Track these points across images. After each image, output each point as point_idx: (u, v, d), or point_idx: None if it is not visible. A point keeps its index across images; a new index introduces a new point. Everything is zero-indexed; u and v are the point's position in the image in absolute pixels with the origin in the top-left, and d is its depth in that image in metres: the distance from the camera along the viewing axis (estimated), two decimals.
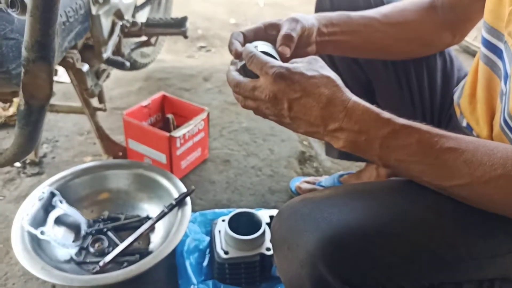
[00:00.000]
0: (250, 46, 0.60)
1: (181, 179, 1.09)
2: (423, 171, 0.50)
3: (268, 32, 0.68)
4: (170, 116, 1.20)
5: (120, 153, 1.21)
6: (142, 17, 1.34)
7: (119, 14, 1.01)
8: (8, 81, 0.68)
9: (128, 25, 1.02)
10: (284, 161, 1.30)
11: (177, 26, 1.09)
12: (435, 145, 0.49)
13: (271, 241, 0.58)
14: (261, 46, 0.62)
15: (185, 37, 1.13)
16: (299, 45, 0.68)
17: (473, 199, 0.49)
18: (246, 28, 0.69)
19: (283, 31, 0.65)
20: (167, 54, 2.10)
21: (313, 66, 0.55)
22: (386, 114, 0.51)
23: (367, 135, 0.50)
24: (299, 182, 1.16)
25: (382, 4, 0.84)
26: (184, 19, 1.10)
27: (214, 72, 1.88)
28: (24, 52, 0.58)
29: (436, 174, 0.49)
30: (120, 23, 0.99)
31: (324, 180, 1.13)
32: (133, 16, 1.22)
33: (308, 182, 1.15)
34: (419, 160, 0.49)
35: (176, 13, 1.74)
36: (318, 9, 0.91)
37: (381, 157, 0.51)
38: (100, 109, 1.12)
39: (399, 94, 0.88)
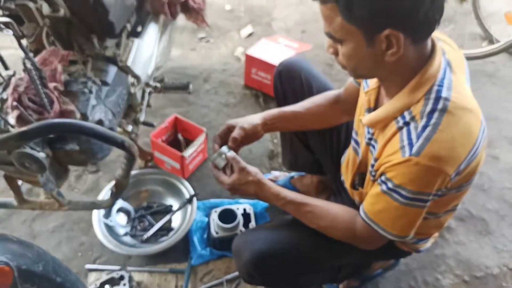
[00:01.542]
0: (222, 149, 1.13)
1: (190, 176, 1.68)
2: (299, 218, 1.08)
3: (230, 130, 1.19)
4: (180, 137, 1.74)
5: (149, 157, 1.77)
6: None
7: (147, 84, 1.50)
8: (93, 160, 1.22)
9: (152, 90, 1.51)
10: (258, 159, 1.86)
11: (184, 88, 1.59)
12: (301, 208, 1.05)
13: (232, 248, 1.17)
14: (224, 149, 1.13)
15: (189, 93, 1.63)
16: (249, 135, 1.20)
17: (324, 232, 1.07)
18: (219, 132, 1.19)
19: (232, 135, 1.16)
20: (174, 48, 2.53)
21: (246, 173, 1.08)
22: (281, 192, 1.07)
23: (270, 201, 1.08)
24: None
25: (311, 90, 1.35)
26: (188, 83, 1.58)
27: (212, 72, 2.35)
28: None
29: (304, 221, 1.07)
30: (148, 90, 1.49)
31: (280, 180, 1.71)
32: None
33: (270, 179, 1.72)
34: (295, 215, 1.07)
35: None
36: (275, 92, 1.42)
37: (281, 207, 1.09)
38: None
39: (323, 146, 1.42)
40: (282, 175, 1.75)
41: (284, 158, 1.67)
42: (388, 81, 0.93)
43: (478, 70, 2.50)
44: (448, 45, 0.96)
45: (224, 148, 1.12)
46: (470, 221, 1.69)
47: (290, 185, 1.67)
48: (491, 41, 2.68)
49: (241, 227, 1.49)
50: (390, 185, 0.89)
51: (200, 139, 1.70)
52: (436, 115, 0.84)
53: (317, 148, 1.44)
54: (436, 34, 0.94)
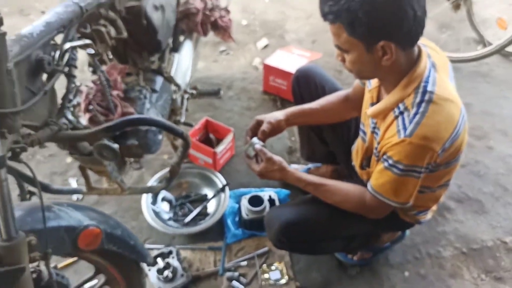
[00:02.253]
0: (253, 140, 1.36)
1: (221, 169, 1.92)
2: (318, 196, 1.30)
3: (259, 125, 1.43)
4: (212, 137, 1.99)
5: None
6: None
7: (185, 91, 1.75)
8: (147, 152, 1.46)
9: (190, 96, 1.76)
10: (278, 154, 2.06)
11: (216, 94, 1.84)
12: (319, 187, 1.28)
13: (264, 221, 1.40)
14: (255, 140, 1.37)
15: (220, 98, 1.88)
16: (274, 128, 1.43)
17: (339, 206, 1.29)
18: (249, 126, 1.43)
19: (261, 128, 1.40)
20: (199, 60, 2.79)
21: (272, 162, 1.30)
22: (302, 176, 1.30)
23: (294, 183, 1.30)
24: None
25: (324, 92, 1.58)
26: (219, 89, 1.84)
27: (234, 80, 2.60)
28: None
29: (322, 198, 1.30)
30: (186, 96, 1.74)
31: (301, 169, 1.93)
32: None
33: None
34: (315, 193, 1.30)
35: None
36: (293, 94, 1.66)
37: (303, 188, 1.31)
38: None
39: (336, 138, 1.64)
40: (300, 167, 1.98)
41: (302, 151, 1.90)
42: (385, 80, 1.16)
43: (474, 71, 2.71)
44: (433, 50, 1.19)
45: (255, 139, 1.35)
46: (468, 202, 1.89)
47: None
48: (485, 44, 2.88)
49: (267, 210, 1.72)
50: (390, 161, 1.11)
51: (229, 137, 1.94)
52: (423, 105, 1.07)
53: (331, 140, 1.67)
54: (424, 41, 1.18)
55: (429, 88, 1.07)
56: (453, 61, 2.71)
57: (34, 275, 1.02)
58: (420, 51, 1.11)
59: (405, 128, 1.07)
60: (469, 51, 2.74)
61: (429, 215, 1.44)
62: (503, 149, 2.16)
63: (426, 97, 1.06)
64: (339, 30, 1.04)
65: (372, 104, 1.25)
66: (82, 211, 1.06)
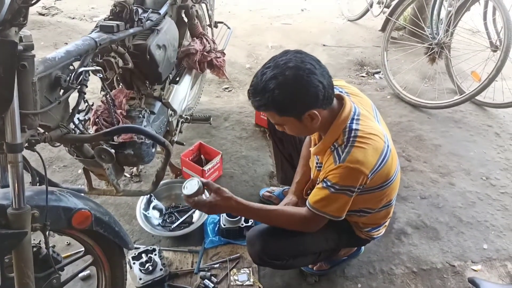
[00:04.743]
0: (194, 178, 1.58)
1: None
2: (265, 222, 1.49)
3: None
4: (203, 158, 2.24)
5: (178, 172, 2.25)
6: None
7: (180, 116, 2.03)
8: (142, 162, 1.71)
9: (184, 120, 2.04)
10: (260, 177, 2.32)
11: (206, 120, 2.12)
12: (255, 212, 1.44)
13: (246, 240, 1.58)
14: (195, 178, 1.57)
15: (210, 124, 2.15)
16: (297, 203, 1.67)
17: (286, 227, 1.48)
18: None
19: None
20: (204, 95, 3.10)
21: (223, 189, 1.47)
22: (249, 204, 1.44)
23: (233, 210, 1.47)
24: (264, 191, 2.18)
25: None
26: (209, 117, 2.13)
27: (231, 113, 2.88)
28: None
29: (269, 223, 1.48)
30: (181, 120, 2.02)
31: (276, 191, 2.14)
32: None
33: (268, 192, 2.16)
34: (262, 220, 1.49)
35: None
36: (272, 133, 1.90)
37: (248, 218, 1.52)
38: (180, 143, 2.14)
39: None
40: (277, 189, 2.19)
41: (278, 176, 2.12)
42: (320, 130, 1.38)
43: (448, 117, 2.93)
44: (356, 96, 1.44)
45: (195, 177, 1.45)
46: (424, 229, 2.05)
47: (282, 195, 2.10)
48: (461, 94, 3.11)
49: (242, 221, 1.92)
50: (328, 183, 1.31)
51: (217, 158, 2.19)
52: (351, 139, 1.28)
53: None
54: (347, 89, 1.44)
55: (354, 127, 1.30)
56: (429, 107, 2.94)
57: (35, 249, 1.25)
58: (341, 98, 1.35)
59: (339, 157, 1.29)
60: (445, 99, 2.98)
61: (382, 231, 1.61)
62: (464, 186, 2.33)
63: (352, 134, 1.29)
64: (272, 114, 1.29)
65: (315, 145, 1.47)
66: (79, 198, 1.29)
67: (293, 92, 1.20)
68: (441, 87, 3.25)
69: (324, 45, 4.13)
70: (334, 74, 3.52)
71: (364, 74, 3.63)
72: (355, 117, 1.32)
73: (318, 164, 1.47)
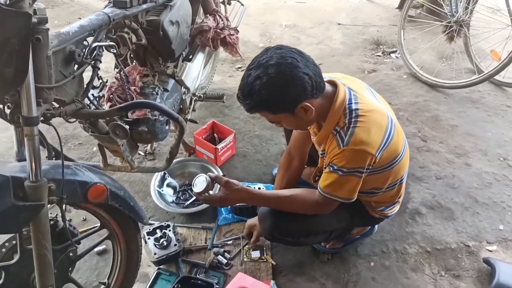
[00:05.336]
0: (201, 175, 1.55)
1: (221, 165, 2.14)
2: (270, 206, 1.49)
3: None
4: (217, 136, 2.23)
5: (192, 150, 2.25)
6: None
7: (193, 94, 2.01)
8: (155, 139, 1.71)
9: (197, 98, 2.02)
10: (274, 157, 2.30)
11: (220, 98, 2.09)
12: (266, 200, 1.46)
13: (258, 216, 1.58)
14: (202, 175, 1.55)
15: (223, 102, 2.13)
16: None
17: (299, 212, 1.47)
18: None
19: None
20: (217, 75, 3.07)
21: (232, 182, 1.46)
22: (261, 193, 1.47)
23: (244, 201, 1.49)
24: (277, 170, 2.16)
25: None
26: (223, 94, 2.10)
27: None
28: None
29: (282, 209, 1.47)
30: (194, 98, 2.00)
31: None
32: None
33: None
34: (268, 205, 1.48)
35: None
36: None
37: (260, 205, 1.51)
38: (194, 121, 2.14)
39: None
40: None
41: None
42: (319, 118, 1.35)
43: (465, 97, 2.85)
44: (345, 78, 1.41)
45: (202, 175, 1.46)
46: (439, 209, 2.02)
47: None
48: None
49: None
50: (335, 167, 1.29)
51: (230, 137, 2.17)
52: (353, 120, 1.26)
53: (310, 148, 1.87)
54: (336, 75, 1.40)
55: (353, 107, 1.27)
56: (446, 87, 2.87)
57: (52, 222, 1.26)
58: (334, 83, 1.32)
59: (343, 141, 1.26)
60: (463, 79, 2.89)
61: (395, 209, 1.60)
62: (480, 166, 2.28)
63: (353, 114, 1.26)
64: (265, 114, 1.28)
65: (315, 135, 1.44)
66: (95, 173, 1.30)
67: (279, 89, 1.19)
68: (459, 66, 3.16)
69: (339, 23, 4.03)
70: (349, 53, 3.46)
71: (380, 53, 3.55)
72: (352, 97, 1.30)
73: (322, 152, 1.45)
